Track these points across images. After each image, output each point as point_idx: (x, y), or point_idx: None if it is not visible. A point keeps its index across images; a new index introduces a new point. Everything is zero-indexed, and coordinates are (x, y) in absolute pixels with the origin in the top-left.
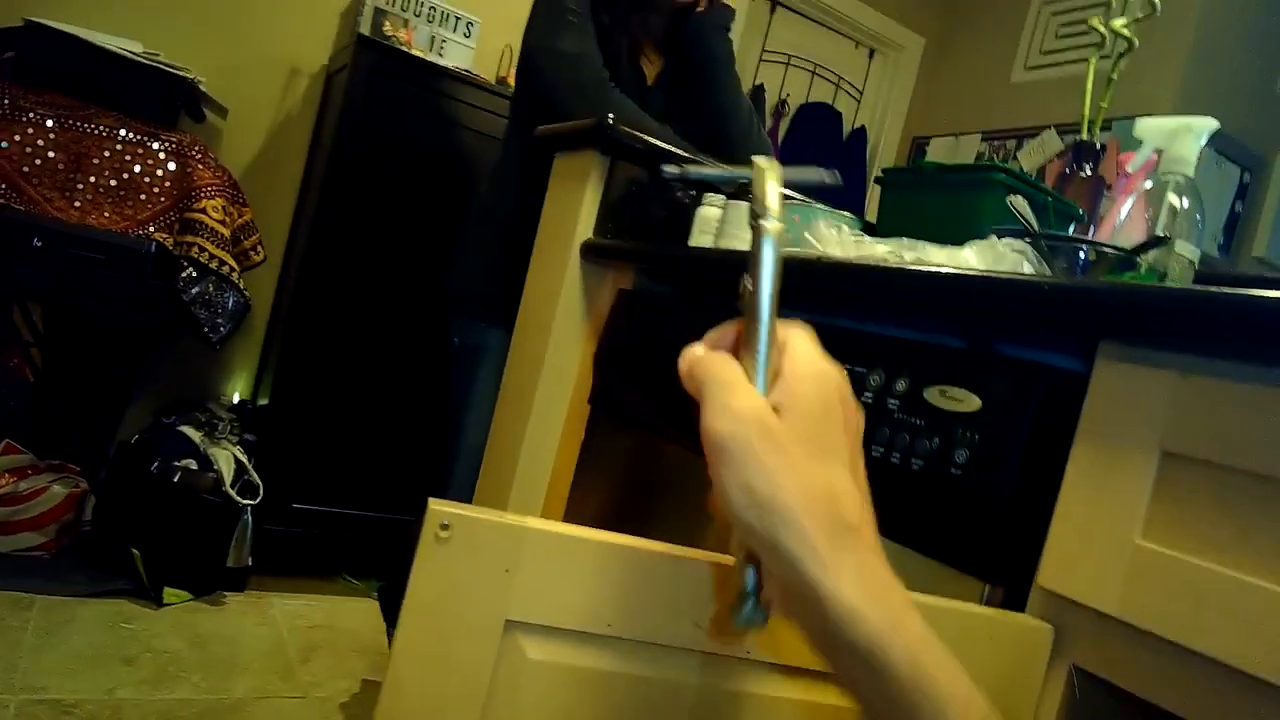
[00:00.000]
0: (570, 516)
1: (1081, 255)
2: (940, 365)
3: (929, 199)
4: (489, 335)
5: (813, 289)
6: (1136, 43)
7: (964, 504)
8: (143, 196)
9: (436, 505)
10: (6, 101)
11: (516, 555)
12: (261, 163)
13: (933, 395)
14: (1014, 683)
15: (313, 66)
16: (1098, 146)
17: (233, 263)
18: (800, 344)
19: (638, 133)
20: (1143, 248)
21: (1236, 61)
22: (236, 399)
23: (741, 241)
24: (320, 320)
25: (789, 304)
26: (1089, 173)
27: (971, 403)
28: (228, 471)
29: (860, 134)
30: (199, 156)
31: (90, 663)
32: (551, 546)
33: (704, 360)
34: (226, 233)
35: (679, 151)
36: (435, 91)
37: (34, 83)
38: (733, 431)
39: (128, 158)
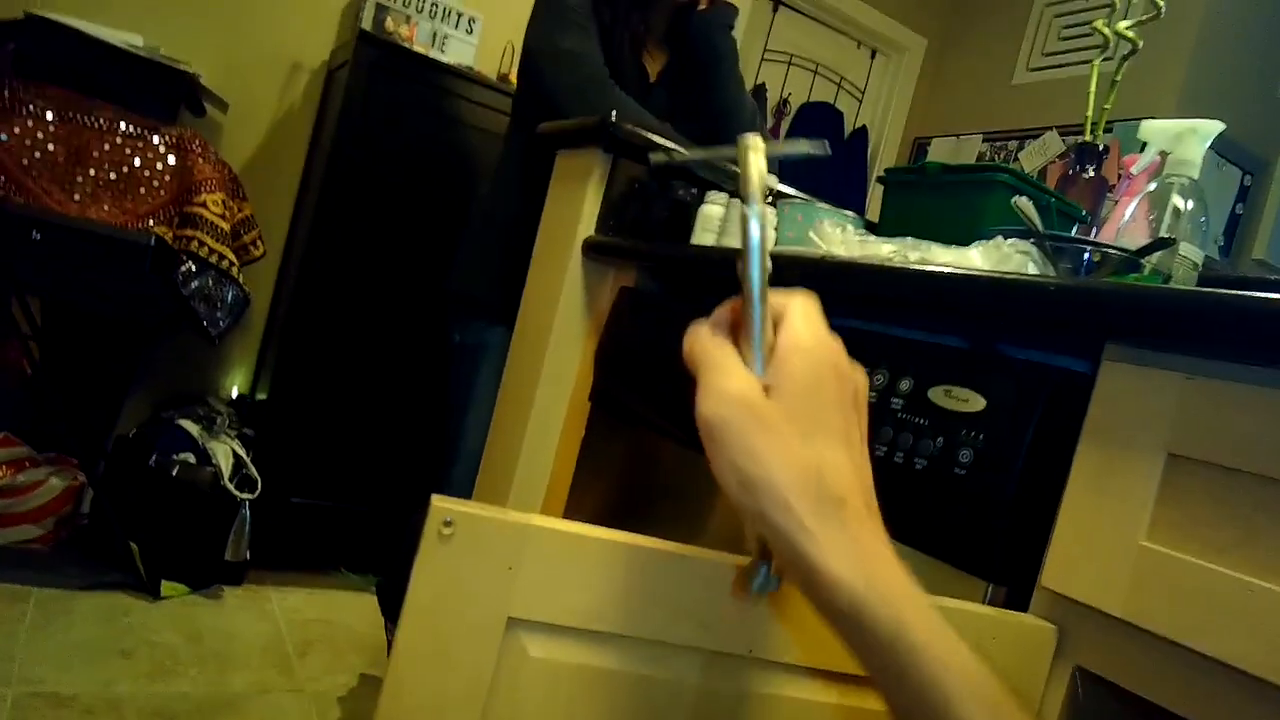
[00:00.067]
0: (569, 514)
1: (1086, 256)
2: (945, 365)
3: (932, 199)
4: (490, 333)
5: (817, 288)
6: (1140, 45)
7: (967, 504)
8: (142, 190)
9: (440, 502)
10: (6, 94)
11: (519, 552)
12: (261, 158)
13: (937, 395)
14: (1017, 683)
15: (314, 62)
16: (1100, 148)
17: (232, 257)
18: (795, 317)
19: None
20: (1148, 249)
21: (1238, 64)
22: (235, 393)
23: None
24: (319, 315)
25: None
26: (1092, 174)
27: (976, 403)
28: (226, 466)
29: (862, 134)
30: (199, 151)
31: (87, 656)
32: (555, 544)
33: (701, 343)
34: (226, 227)
35: (672, 145)
36: (436, 88)
37: (34, 76)
38: (721, 414)
39: (127, 151)
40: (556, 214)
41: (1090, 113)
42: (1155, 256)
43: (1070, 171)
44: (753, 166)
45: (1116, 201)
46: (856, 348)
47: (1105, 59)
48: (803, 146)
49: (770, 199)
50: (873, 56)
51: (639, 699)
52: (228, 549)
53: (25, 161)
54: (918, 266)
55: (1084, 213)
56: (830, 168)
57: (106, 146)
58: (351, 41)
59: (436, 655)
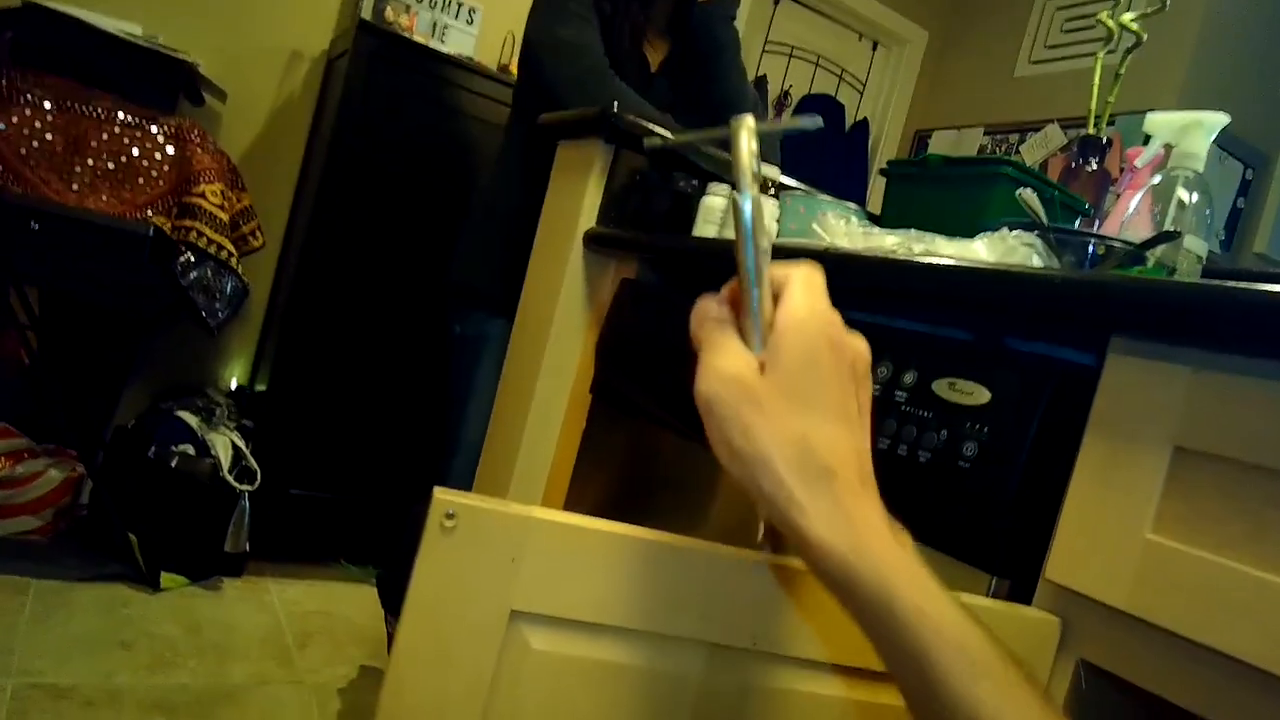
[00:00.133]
0: (570, 506)
1: (1090, 249)
2: (949, 358)
3: (935, 192)
4: (490, 325)
5: None
6: (1145, 37)
7: (971, 497)
8: (141, 180)
9: (442, 494)
10: (4, 83)
11: (522, 545)
12: (261, 148)
13: (941, 388)
14: None
15: (313, 51)
16: (1104, 141)
17: (231, 248)
18: (793, 293)
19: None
20: (1153, 242)
21: (1241, 58)
22: (234, 385)
23: None
24: (319, 306)
25: None
26: (1095, 167)
27: (980, 396)
28: (225, 457)
29: (862, 126)
30: (198, 141)
31: (87, 647)
32: (558, 536)
33: (703, 322)
34: (225, 218)
35: (665, 132)
36: (436, 78)
37: (32, 64)
38: (716, 392)
39: (126, 141)
40: (557, 205)
41: (1094, 105)
42: (1159, 249)
43: (1073, 164)
44: (744, 146)
45: (1119, 195)
46: None
47: (1109, 51)
48: (797, 123)
49: (772, 190)
50: (874, 49)
51: (641, 691)
52: (227, 540)
53: (23, 151)
54: (923, 259)
55: (1087, 206)
56: (831, 160)
57: (105, 136)
58: (351, 31)
59: (438, 648)
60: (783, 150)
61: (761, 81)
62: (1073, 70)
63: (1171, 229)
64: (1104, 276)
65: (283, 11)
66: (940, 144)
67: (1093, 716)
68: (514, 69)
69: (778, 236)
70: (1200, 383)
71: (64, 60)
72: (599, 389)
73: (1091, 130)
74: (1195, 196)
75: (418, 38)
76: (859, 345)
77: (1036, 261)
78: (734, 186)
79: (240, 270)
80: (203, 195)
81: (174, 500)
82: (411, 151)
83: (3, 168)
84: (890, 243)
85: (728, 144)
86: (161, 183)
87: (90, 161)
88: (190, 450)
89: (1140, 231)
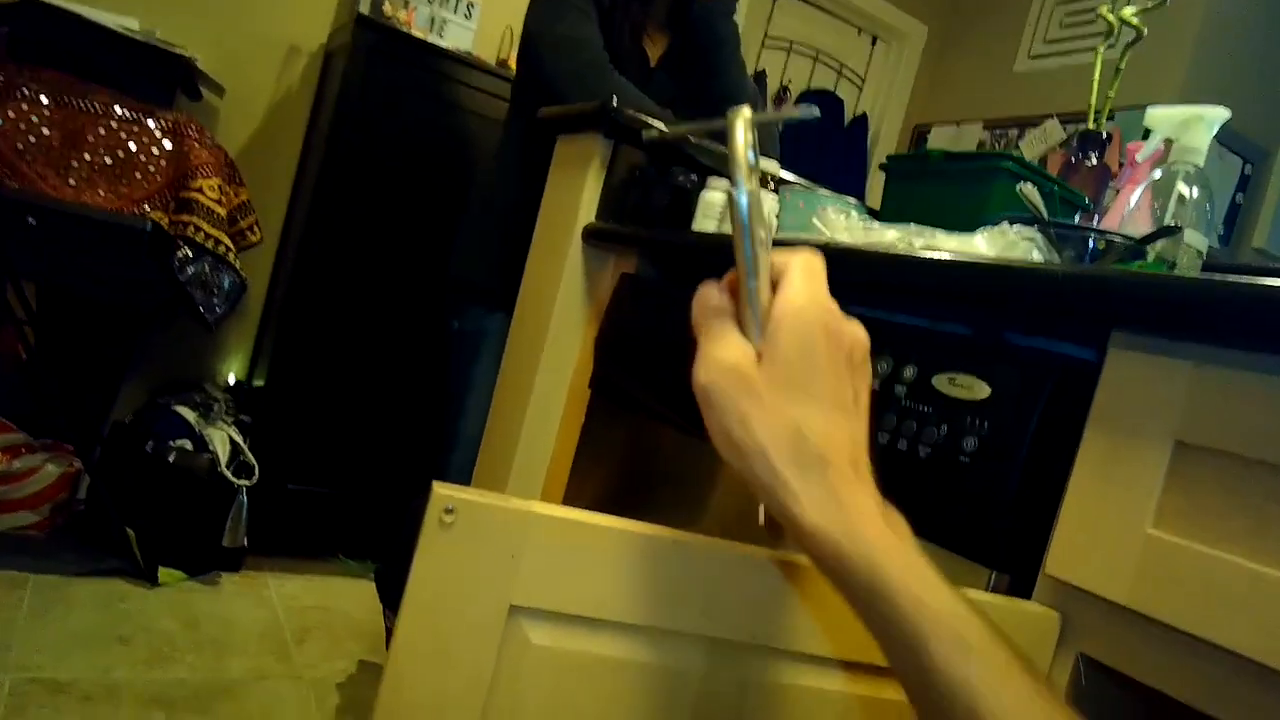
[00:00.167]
0: (569, 501)
1: (1090, 244)
2: (949, 353)
3: (934, 187)
4: (489, 320)
5: None
6: (1145, 32)
7: (971, 492)
8: (138, 175)
9: (441, 489)
10: (1, 78)
11: (521, 540)
12: (258, 142)
13: (941, 383)
14: None
15: (311, 46)
16: (1104, 136)
17: (229, 243)
18: (791, 281)
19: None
20: (1153, 237)
21: (1241, 53)
22: (232, 380)
23: None
24: (316, 301)
25: None
26: (1095, 162)
27: (981, 390)
28: (223, 452)
29: (862, 121)
30: (195, 135)
31: (85, 642)
32: (557, 531)
33: (703, 311)
34: (223, 212)
35: (661, 125)
36: (434, 73)
37: (29, 59)
38: (713, 382)
39: (123, 136)
40: (556, 200)
41: (1094, 100)
42: (1159, 244)
43: (1073, 159)
44: (740, 137)
45: (1119, 190)
46: None
47: (1109, 46)
48: (793, 113)
49: (772, 185)
50: (873, 43)
51: (641, 686)
52: (225, 535)
53: (20, 146)
54: (923, 253)
55: (1087, 201)
56: (830, 155)
57: (102, 131)
58: (349, 25)
59: (438, 644)
60: (782, 145)
61: (760, 76)
62: (1072, 65)
63: (1172, 224)
64: (1104, 271)
65: (280, 6)
66: (939, 139)
67: (1092, 711)
68: (513, 63)
69: (777, 231)
70: (1201, 377)
71: (61, 55)
72: (598, 384)
73: (1091, 125)
74: (1196, 191)
75: (416, 32)
76: (857, 332)
77: (1037, 256)
78: (730, 178)
79: (238, 265)
80: (200, 190)
81: (172, 495)
82: (409, 146)
83: None
84: (890, 237)
85: (725, 135)
86: (159, 178)
87: (87, 156)
88: (188, 445)
89: (1140, 226)
